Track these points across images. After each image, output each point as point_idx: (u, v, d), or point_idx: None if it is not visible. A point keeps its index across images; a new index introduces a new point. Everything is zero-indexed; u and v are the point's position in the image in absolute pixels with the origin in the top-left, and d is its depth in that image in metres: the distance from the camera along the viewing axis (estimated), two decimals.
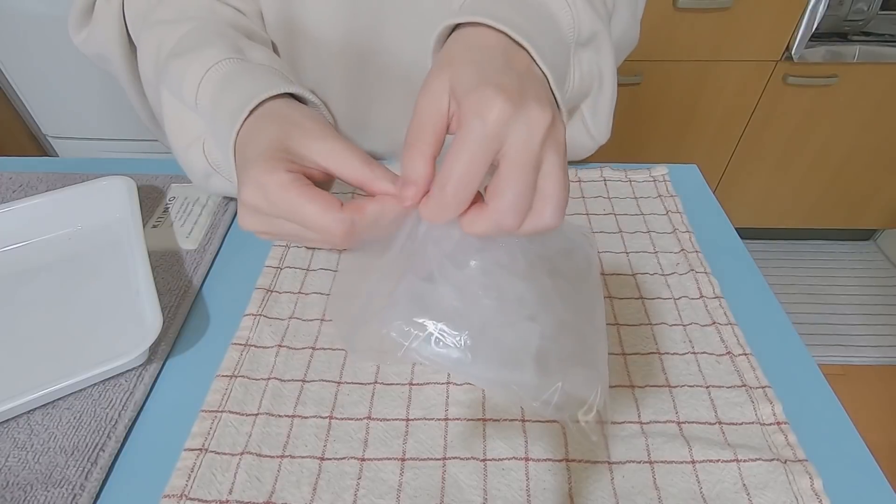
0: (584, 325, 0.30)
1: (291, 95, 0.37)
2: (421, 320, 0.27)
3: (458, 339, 0.26)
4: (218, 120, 0.36)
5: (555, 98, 0.30)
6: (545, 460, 0.32)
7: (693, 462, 0.32)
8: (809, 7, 1.12)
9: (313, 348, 0.39)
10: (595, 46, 0.38)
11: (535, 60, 0.29)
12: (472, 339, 0.27)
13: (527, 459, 0.32)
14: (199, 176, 0.42)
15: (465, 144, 0.24)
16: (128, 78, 0.47)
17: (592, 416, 0.32)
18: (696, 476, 0.31)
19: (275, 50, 0.49)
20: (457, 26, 0.31)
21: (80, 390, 0.35)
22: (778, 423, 0.34)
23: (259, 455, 0.32)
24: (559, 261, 0.30)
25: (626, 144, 1.40)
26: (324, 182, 0.33)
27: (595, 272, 0.32)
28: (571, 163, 0.55)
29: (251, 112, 0.34)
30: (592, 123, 0.45)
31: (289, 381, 0.36)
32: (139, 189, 0.47)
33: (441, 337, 0.26)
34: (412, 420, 0.34)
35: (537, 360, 0.27)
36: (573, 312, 0.29)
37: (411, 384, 0.36)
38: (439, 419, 0.34)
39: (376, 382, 0.36)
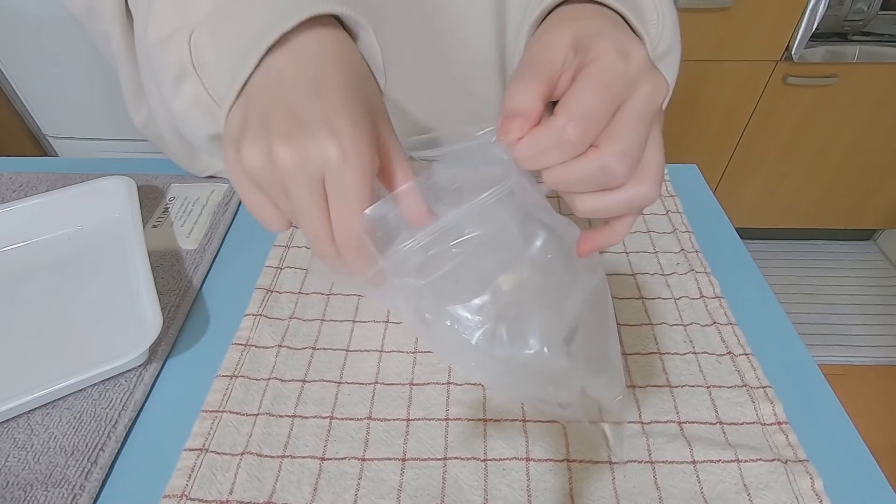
0: (608, 326, 0.30)
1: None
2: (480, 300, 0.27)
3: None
4: (251, 8, 0.27)
5: None
6: (546, 460, 0.32)
7: (694, 462, 0.32)
8: (809, 7, 1.12)
9: (314, 348, 0.39)
10: (665, 63, 0.37)
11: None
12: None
13: (528, 459, 0.32)
14: (169, 77, 0.32)
15: (602, 77, 0.22)
16: (118, 30, 0.41)
17: (612, 419, 0.32)
18: (697, 476, 0.31)
19: None
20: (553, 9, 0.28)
21: (80, 390, 0.35)
22: (779, 423, 0.34)
23: (259, 455, 0.32)
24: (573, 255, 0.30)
25: None
26: None
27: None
28: None
29: (304, 21, 0.25)
30: None
31: (289, 381, 0.36)
32: (139, 189, 0.47)
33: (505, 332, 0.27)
34: (413, 420, 0.34)
35: (577, 355, 0.27)
36: (594, 310, 0.29)
37: (412, 384, 0.36)
38: (440, 419, 0.34)
39: (377, 383, 0.36)
